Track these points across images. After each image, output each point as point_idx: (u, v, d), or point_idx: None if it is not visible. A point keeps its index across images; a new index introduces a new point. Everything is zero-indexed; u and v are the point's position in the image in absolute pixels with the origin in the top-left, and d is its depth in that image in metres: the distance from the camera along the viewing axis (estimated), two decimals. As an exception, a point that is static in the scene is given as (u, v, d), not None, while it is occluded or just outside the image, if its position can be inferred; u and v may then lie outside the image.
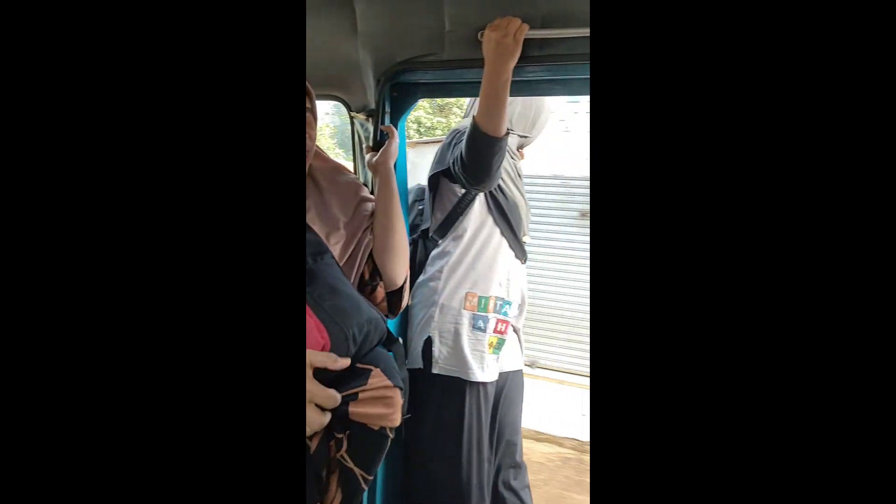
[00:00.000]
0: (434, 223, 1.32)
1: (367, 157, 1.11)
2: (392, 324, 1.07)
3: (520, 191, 1.33)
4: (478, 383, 1.27)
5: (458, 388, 1.26)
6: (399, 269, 1.00)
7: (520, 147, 1.42)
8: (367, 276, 0.99)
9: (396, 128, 1.13)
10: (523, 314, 1.39)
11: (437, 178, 1.31)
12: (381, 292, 1.00)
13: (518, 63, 0.94)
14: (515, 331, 1.40)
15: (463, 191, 1.28)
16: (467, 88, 1.07)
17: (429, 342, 1.28)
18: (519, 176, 1.35)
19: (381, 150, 1.05)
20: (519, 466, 1.40)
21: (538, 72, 0.98)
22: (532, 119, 1.36)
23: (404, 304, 1.05)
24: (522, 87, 1.03)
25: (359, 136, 1.18)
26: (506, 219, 1.28)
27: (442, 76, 1.07)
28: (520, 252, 1.33)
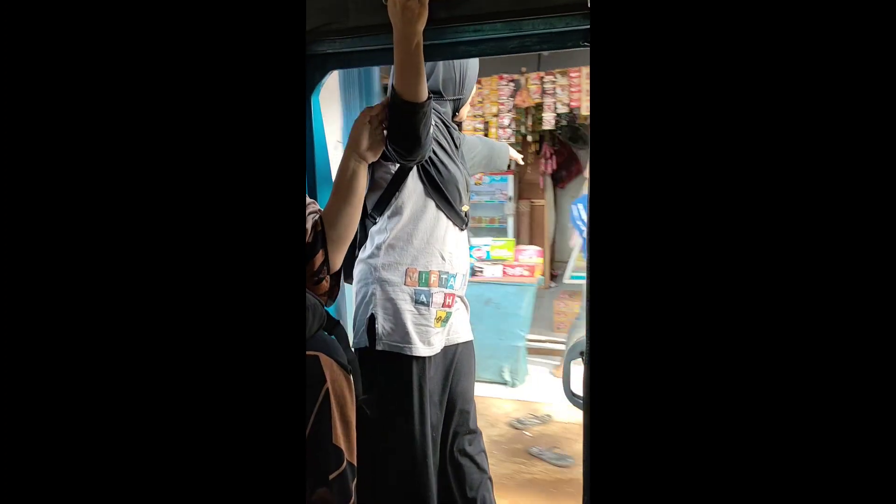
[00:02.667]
0: (370, 202, 1.29)
1: None
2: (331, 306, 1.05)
3: (456, 163, 1.31)
4: (423, 358, 1.27)
5: (402, 362, 1.27)
6: (338, 254, 1.00)
7: (456, 110, 1.39)
8: (315, 268, 0.98)
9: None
10: (466, 284, 1.39)
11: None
12: (324, 285, 0.99)
13: (428, 25, 0.91)
14: (464, 302, 1.41)
15: (395, 167, 1.25)
16: (380, 56, 1.04)
17: (372, 319, 1.27)
18: (457, 147, 1.32)
19: None
20: (474, 433, 1.44)
21: (450, 34, 0.96)
22: (459, 79, 1.34)
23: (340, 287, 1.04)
24: (439, 51, 1.01)
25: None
26: (441, 193, 1.27)
27: (351, 45, 1.02)
28: (459, 221, 1.32)
